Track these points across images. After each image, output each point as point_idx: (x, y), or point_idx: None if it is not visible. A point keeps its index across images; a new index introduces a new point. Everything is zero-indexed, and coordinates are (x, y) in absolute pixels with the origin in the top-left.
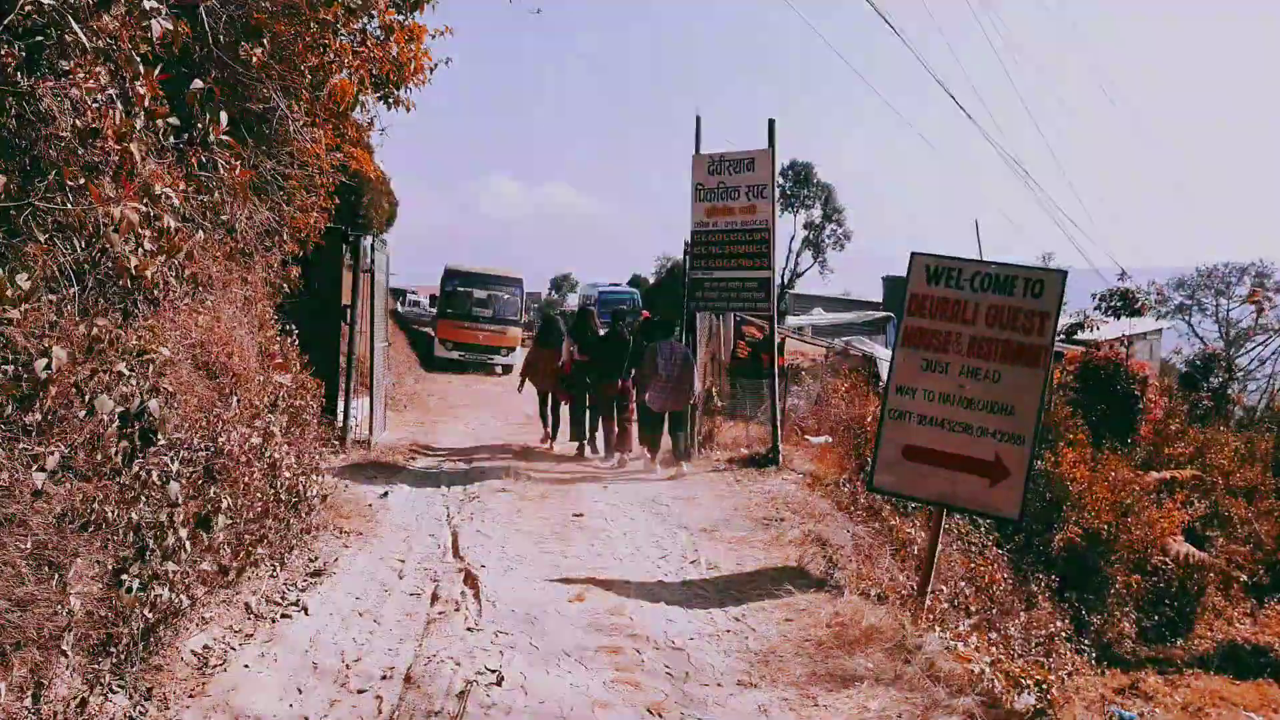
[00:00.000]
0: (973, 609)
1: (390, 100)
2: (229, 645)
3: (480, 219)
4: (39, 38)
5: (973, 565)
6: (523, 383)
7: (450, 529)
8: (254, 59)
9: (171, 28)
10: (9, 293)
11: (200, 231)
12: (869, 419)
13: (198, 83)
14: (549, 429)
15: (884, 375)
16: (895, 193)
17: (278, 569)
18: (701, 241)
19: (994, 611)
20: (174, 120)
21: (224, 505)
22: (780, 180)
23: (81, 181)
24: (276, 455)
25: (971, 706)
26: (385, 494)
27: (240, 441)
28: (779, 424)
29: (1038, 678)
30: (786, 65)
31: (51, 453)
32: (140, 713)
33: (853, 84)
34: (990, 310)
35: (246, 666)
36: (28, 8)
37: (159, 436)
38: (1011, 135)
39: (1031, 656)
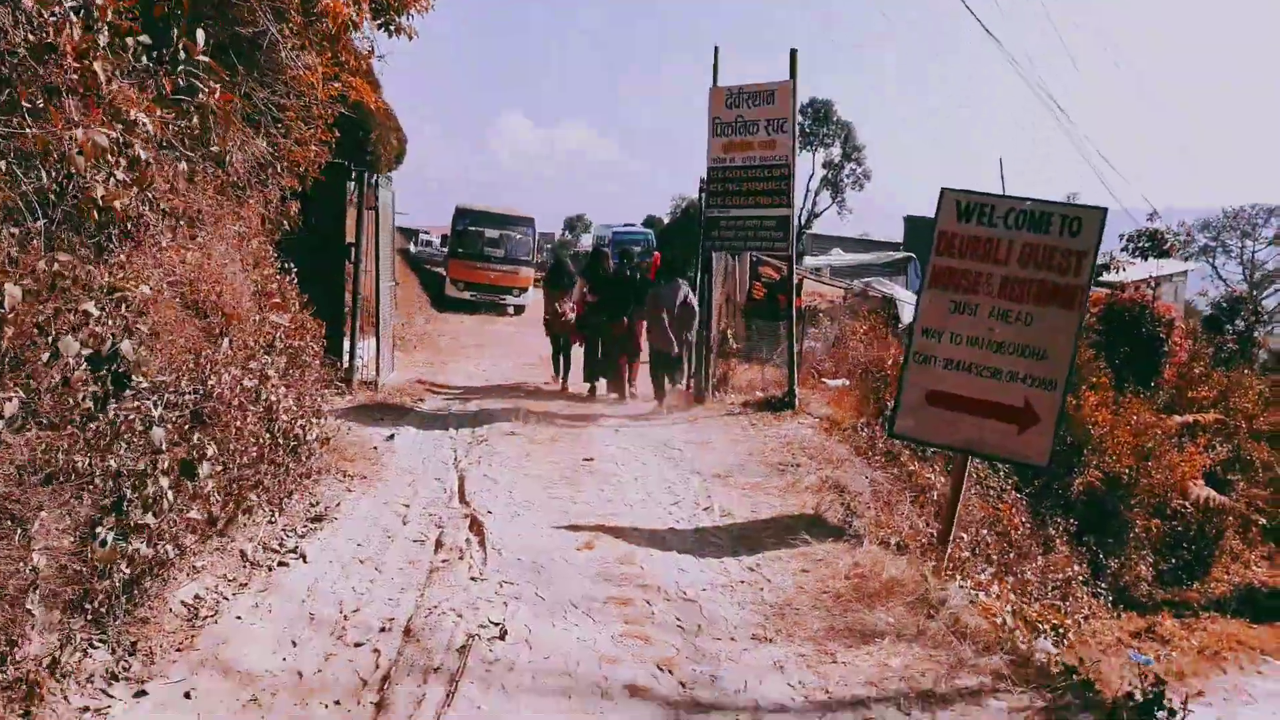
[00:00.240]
0: (993, 556)
1: (391, 27)
2: (221, 595)
3: (493, 159)
4: None
5: (995, 510)
6: (549, 329)
7: (457, 473)
8: None
9: None
10: None
11: (183, 163)
12: (889, 362)
13: None
14: (559, 373)
15: (904, 317)
16: (918, 139)
17: (276, 515)
18: (718, 178)
19: (1011, 555)
20: (145, 39)
21: (209, 452)
22: (799, 118)
23: (40, 103)
24: (273, 398)
25: (1000, 666)
26: (391, 436)
27: (232, 384)
28: (795, 367)
29: (1054, 621)
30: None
31: (9, 399)
32: (123, 668)
33: (875, 19)
34: (1024, 249)
35: (239, 618)
36: None
37: (136, 379)
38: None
39: (1048, 600)
